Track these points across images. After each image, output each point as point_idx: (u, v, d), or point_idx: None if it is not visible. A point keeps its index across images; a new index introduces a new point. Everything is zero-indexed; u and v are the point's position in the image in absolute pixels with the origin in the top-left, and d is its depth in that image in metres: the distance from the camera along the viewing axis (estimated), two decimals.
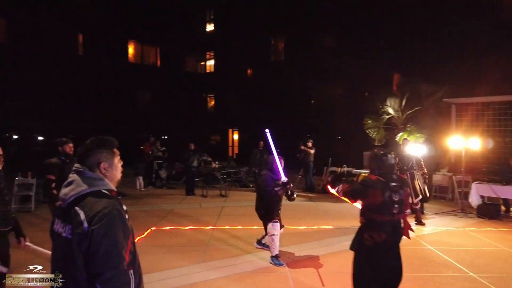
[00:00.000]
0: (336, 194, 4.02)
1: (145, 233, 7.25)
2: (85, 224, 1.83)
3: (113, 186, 2.05)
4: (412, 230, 3.88)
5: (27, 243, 3.75)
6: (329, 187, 4.18)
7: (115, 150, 2.11)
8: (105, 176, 2.03)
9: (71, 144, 5.71)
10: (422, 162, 8.69)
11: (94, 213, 1.84)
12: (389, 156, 3.63)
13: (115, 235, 1.84)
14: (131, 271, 1.94)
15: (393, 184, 3.52)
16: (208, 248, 6.47)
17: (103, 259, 1.80)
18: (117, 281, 1.81)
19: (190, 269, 5.42)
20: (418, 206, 8.45)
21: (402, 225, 3.66)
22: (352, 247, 3.74)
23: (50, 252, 3.46)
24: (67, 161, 5.57)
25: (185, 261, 5.73)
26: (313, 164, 13.06)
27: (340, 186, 3.96)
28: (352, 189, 3.75)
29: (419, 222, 8.22)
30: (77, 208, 1.88)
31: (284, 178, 5.63)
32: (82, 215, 1.85)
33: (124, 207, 2.00)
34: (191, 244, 6.71)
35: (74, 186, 1.94)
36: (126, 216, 1.97)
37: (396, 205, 3.50)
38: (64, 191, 1.96)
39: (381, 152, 3.71)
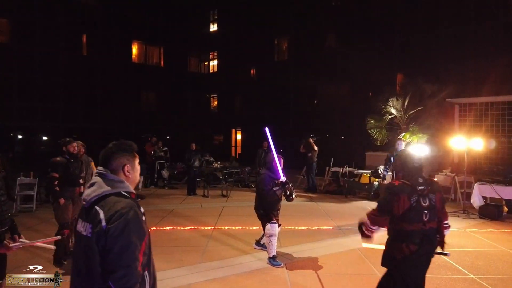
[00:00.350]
0: (366, 233, 3.45)
1: None
2: (103, 223, 1.91)
3: (132, 189, 2.13)
4: (444, 252, 3.54)
5: (21, 240, 3.75)
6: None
7: (135, 153, 2.22)
8: (128, 178, 2.13)
9: (74, 144, 5.95)
10: None
11: (112, 213, 1.92)
12: (415, 157, 3.44)
13: (130, 235, 1.89)
14: (146, 272, 2.00)
15: (420, 187, 3.25)
16: (206, 248, 6.48)
17: (117, 257, 1.86)
18: (129, 280, 1.85)
19: (188, 270, 5.42)
20: None
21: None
22: (383, 263, 3.42)
23: (37, 243, 3.46)
24: (72, 160, 5.82)
25: (183, 262, 5.74)
26: (316, 164, 13.03)
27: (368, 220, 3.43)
28: (380, 204, 3.38)
29: None
30: (97, 207, 1.96)
31: (283, 178, 5.60)
32: (102, 214, 1.93)
33: (142, 210, 2.06)
34: (190, 244, 6.72)
35: (96, 187, 2.03)
36: (143, 218, 2.03)
37: (425, 211, 3.21)
38: (87, 192, 2.05)
39: (406, 153, 3.57)
